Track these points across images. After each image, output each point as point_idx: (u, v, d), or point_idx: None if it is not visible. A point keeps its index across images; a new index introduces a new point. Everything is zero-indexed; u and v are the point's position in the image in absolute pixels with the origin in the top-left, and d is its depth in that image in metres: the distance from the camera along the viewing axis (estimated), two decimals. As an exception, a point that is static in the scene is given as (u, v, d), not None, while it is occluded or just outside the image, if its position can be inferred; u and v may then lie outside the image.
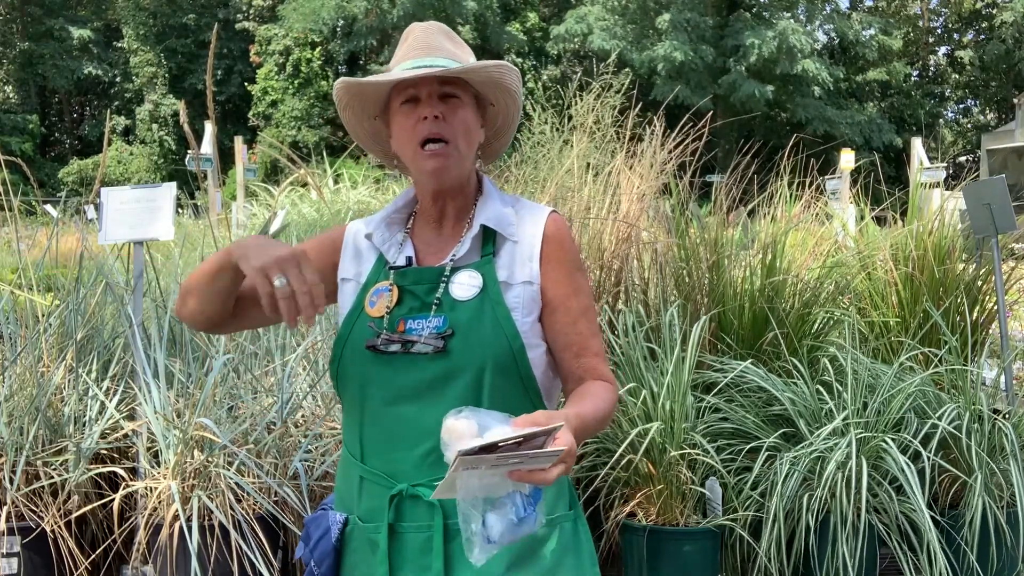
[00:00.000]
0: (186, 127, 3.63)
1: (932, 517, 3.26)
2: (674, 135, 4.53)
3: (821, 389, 3.61)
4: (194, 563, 3.00)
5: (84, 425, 3.55)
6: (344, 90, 1.68)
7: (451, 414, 1.34)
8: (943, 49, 38.46)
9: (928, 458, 3.36)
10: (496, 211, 1.68)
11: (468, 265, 1.64)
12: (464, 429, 1.32)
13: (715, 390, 3.68)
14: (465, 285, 1.62)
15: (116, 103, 36.44)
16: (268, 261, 1.43)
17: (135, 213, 3.66)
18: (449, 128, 1.61)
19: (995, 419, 3.56)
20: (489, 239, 1.67)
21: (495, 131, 1.76)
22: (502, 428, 1.32)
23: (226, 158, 18.68)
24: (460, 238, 1.68)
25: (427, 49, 1.65)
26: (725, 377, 3.65)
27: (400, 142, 1.66)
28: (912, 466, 3.30)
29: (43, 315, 3.89)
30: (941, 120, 37.08)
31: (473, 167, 1.72)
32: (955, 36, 37.66)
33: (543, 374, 1.65)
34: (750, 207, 4.66)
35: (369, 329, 1.62)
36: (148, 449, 3.35)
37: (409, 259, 1.68)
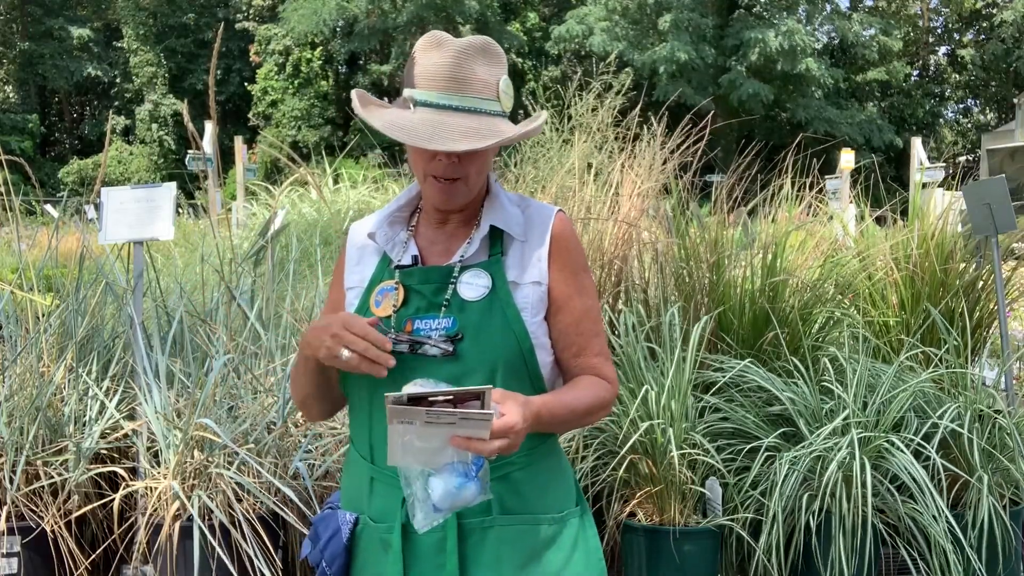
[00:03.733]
0: (190, 126, 3.62)
1: (935, 517, 3.26)
2: (675, 135, 4.52)
3: (828, 386, 3.60)
4: (196, 562, 3.00)
5: (84, 425, 3.55)
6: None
7: (409, 384, 1.41)
8: (943, 49, 38.44)
9: (932, 457, 3.36)
10: (504, 211, 1.66)
11: (476, 265, 1.63)
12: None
13: (715, 390, 3.68)
14: (474, 285, 1.60)
15: (116, 103, 36.41)
16: (327, 343, 1.48)
17: (135, 213, 3.66)
18: (463, 169, 1.60)
19: (996, 418, 3.56)
20: (497, 239, 1.65)
21: None
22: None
23: (226, 158, 18.66)
24: (466, 237, 1.66)
25: (456, 83, 1.56)
26: (725, 377, 3.65)
27: (413, 165, 1.64)
28: (917, 465, 3.29)
29: (43, 315, 3.88)
30: (941, 120, 37.05)
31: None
32: (955, 36, 37.63)
33: (549, 372, 1.66)
34: (750, 206, 4.65)
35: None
36: (148, 449, 3.35)
37: (415, 258, 1.66)
